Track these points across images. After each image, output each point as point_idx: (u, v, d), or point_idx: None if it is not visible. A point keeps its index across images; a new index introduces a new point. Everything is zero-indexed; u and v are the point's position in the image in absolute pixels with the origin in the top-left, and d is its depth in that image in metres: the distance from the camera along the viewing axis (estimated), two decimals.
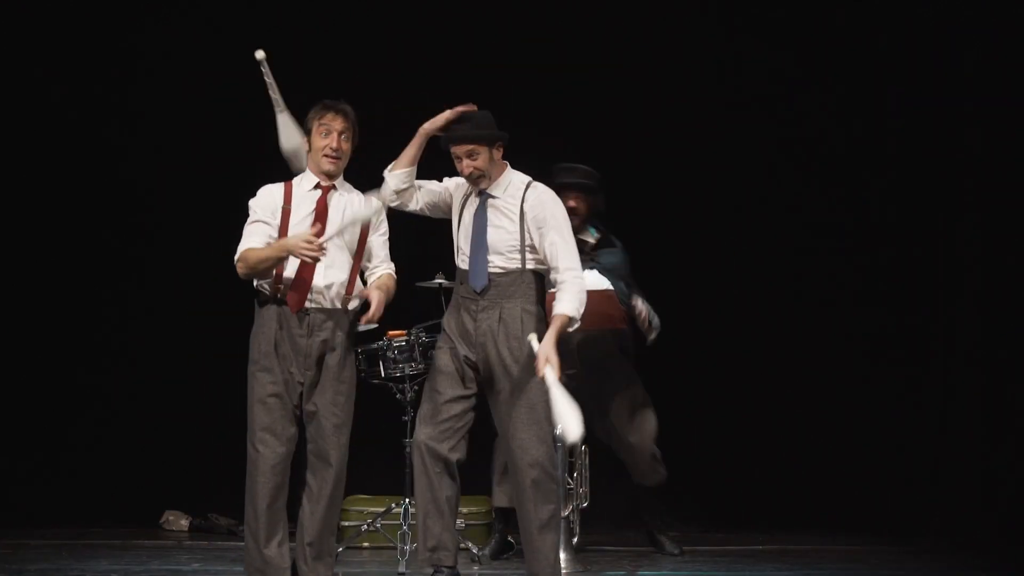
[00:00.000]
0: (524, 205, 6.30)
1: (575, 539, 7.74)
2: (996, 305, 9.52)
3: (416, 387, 7.97)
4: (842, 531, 9.40)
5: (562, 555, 7.56)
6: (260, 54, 6.13)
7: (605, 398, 8.08)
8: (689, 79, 10.10)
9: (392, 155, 6.58)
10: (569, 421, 6.00)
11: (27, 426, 9.98)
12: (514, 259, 6.27)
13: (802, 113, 10.12)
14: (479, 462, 7.48)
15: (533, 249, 6.31)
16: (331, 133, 6.21)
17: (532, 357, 6.17)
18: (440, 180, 6.62)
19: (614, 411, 8.13)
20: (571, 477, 7.75)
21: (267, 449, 6.11)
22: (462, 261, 6.40)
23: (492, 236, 6.29)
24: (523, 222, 6.27)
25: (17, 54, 10.03)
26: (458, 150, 6.32)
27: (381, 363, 7.91)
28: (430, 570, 6.39)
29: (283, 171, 6.47)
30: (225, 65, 9.52)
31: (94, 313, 10.22)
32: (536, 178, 6.54)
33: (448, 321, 6.43)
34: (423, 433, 6.27)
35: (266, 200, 6.22)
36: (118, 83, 10.18)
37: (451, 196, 6.50)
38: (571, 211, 7.23)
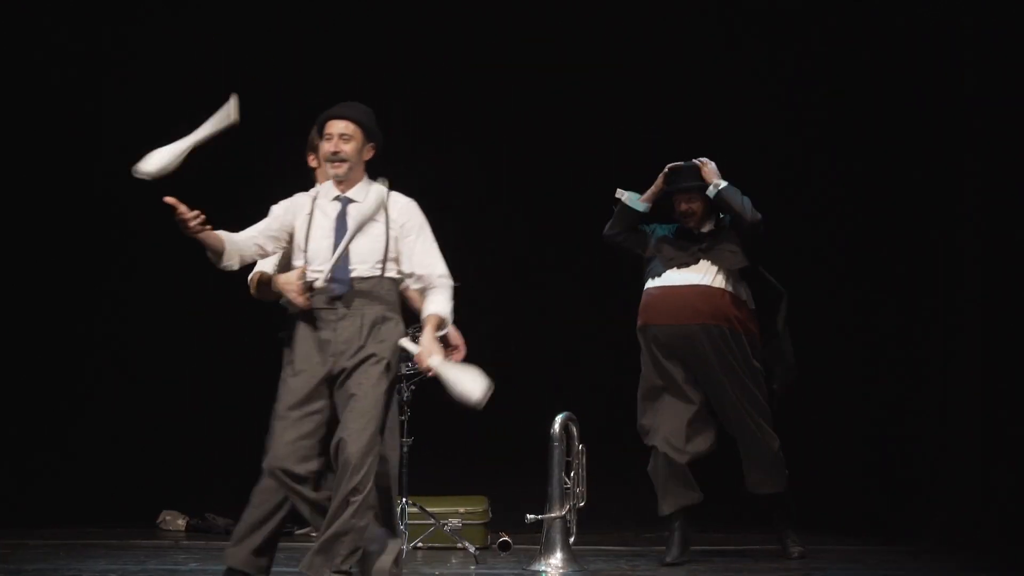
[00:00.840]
0: (390, 212, 6.13)
1: (572, 539, 7.72)
2: (996, 306, 9.51)
3: (412, 387, 7.97)
4: (840, 531, 9.39)
5: (559, 555, 7.57)
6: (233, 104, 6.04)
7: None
8: (687, 76, 10.11)
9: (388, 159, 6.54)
10: (468, 384, 5.91)
11: (25, 427, 9.99)
12: (377, 267, 6.09)
13: (801, 112, 10.12)
14: (476, 464, 7.50)
15: (396, 258, 6.14)
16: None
17: (390, 358, 6.06)
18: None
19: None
20: (568, 477, 7.73)
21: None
22: (312, 271, 6.12)
23: (356, 242, 6.07)
24: (388, 229, 6.12)
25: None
26: (332, 128, 6.11)
27: None
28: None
29: (275, 173, 6.45)
30: (214, 68, 9.60)
31: (92, 314, 10.23)
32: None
33: (300, 333, 6.11)
34: (276, 457, 5.96)
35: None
36: (110, 76, 10.19)
37: (289, 215, 6.20)
38: (685, 214, 8.06)
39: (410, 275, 6.14)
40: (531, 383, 9.57)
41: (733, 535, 9.40)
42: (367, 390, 5.93)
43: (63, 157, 10.20)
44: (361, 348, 5.99)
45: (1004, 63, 9.41)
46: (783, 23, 10.07)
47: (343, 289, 6.02)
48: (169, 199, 5.82)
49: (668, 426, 7.96)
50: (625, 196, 8.09)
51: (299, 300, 6.00)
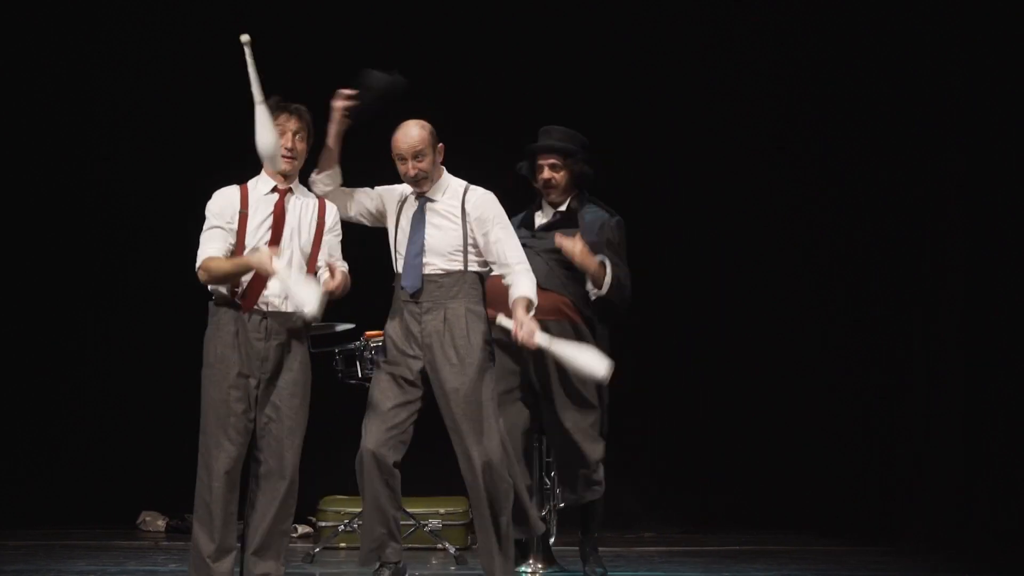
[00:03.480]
0: (466, 206, 6.29)
1: (552, 539, 7.71)
2: (979, 310, 9.54)
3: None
4: (822, 532, 9.41)
5: (539, 555, 7.56)
6: (245, 37, 5.94)
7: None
8: (682, 81, 10.12)
9: (368, 158, 6.54)
10: (590, 360, 6.15)
11: (4, 427, 9.96)
12: (456, 260, 6.26)
13: (790, 117, 10.14)
14: (456, 464, 7.44)
15: (476, 250, 6.30)
16: (285, 133, 6.13)
17: (481, 354, 6.20)
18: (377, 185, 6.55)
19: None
20: (548, 477, 7.72)
21: (222, 453, 6.03)
22: (400, 265, 6.35)
23: (433, 238, 6.26)
24: (465, 223, 6.26)
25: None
26: (404, 150, 6.26)
27: (358, 363, 7.92)
28: (376, 565, 6.32)
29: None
30: (197, 70, 9.60)
31: (70, 315, 10.21)
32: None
33: (391, 326, 6.36)
34: (370, 441, 6.18)
35: (223, 205, 6.13)
36: (95, 87, 10.18)
37: (383, 203, 6.44)
38: (546, 184, 6.99)
39: (494, 263, 6.31)
40: None
41: (713, 535, 9.41)
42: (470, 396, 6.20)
43: (50, 157, 10.19)
44: (451, 344, 6.20)
45: (993, 67, 9.46)
46: (773, 26, 10.07)
47: (415, 285, 6.21)
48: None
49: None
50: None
51: (272, 267, 5.92)
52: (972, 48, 9.53)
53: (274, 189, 6.14)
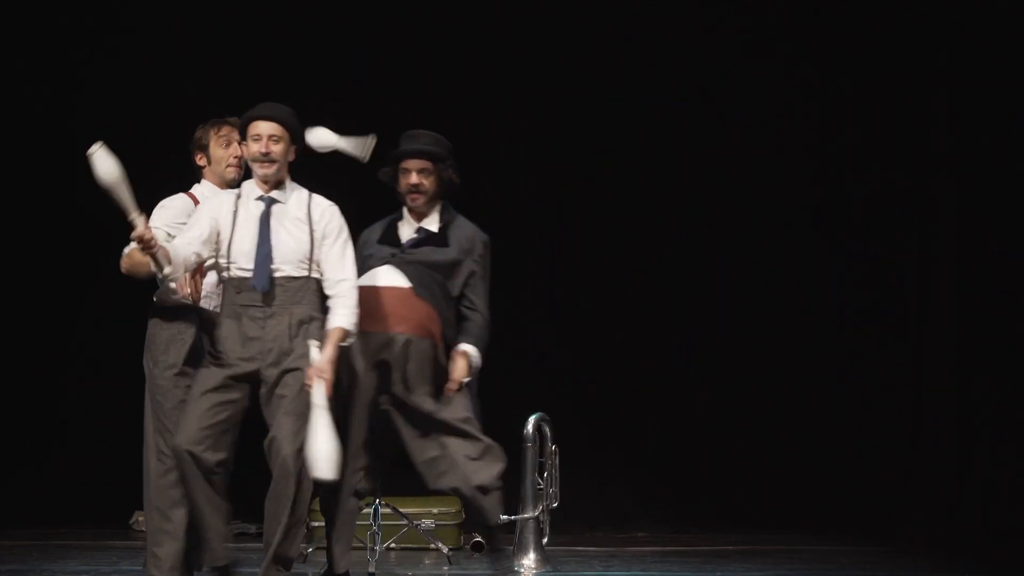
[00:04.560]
0: (313, 213, 6.10)
1: (545, 539, 7.72)
2: (970, 307, 9.56)
3: None
4: (815, 531, 9.42)
5: (532, 555, 7.57)
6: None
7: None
8: (681, 81, 10.13)
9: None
10: (322, 456, 5.76)
11: None
12: (303, 266, 6.04)
13: (783, 111, 10.15)
14: None
15: (318, 260, 6.09)
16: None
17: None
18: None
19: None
20: (541, 477, 7.73)
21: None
22: (238, 267, 6.05)
23: (282, 241, 6.04)
24: (312, 231, 6.07)
25: None
26: (259, 129, 6.04)
27: None
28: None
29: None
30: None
31: (64, 315, 10.21)
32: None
33: (227, 327, 6.05)
34: (184, 439, 5.96)
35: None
36: (87, 86, 10.19)
37: (216, 219, 6.10)
38: (415, 188, 6.42)
39: (325, 278, 6.08)
40: (504, 384, 9.55)
41: (705, 535, 9.42)
42: (297, 393, 5.94)
43: (40, 161, 10.17)
44: (290, 349, 6.00)
45: (978, 61, 9.50)
46: (771, 27, 10.09)
47: (264, 287, 5.99)
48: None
49: None
50: None
51: (185, 290, 5.94)
52: (964, 46, 9.57)
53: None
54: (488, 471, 6.30)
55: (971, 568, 8.03)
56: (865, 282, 10.03)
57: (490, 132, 9.92)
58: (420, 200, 6.42)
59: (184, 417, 5.99)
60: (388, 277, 6.33)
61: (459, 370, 6.34)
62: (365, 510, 7.90)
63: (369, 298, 6.18)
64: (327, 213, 6.12)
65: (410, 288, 6.26)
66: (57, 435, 10.09)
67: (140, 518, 9.76)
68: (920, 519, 9.43)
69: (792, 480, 9.75)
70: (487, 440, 6.34)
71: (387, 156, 6.39)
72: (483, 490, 6.29)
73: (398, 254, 6.38)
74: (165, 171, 6.54)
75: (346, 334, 5.98)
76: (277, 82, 9.86)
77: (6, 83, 10.07)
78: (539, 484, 7.72)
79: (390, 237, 6.46)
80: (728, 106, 10.09)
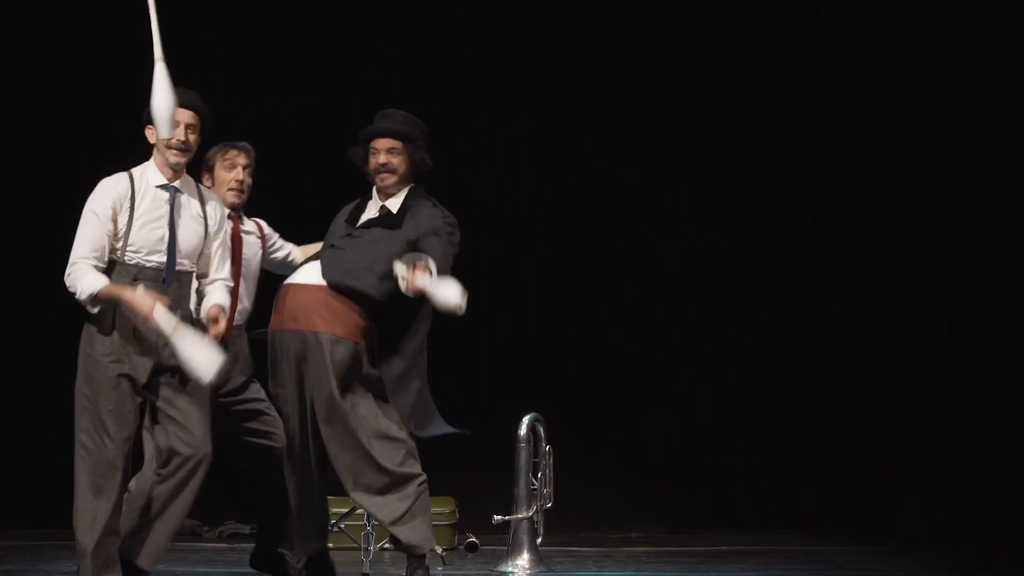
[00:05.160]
0: (207, 209, 5.90)
1: (539, 540, 7.71)
2: (964, 310, 9.57)
3: None
4: (808, 532, 9.42)
5: (526, 555, 7.57)
6: None
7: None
8: (682, 81, 10.13)
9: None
10: (199, 362, 5.52)
11: None
12: (192, 261, 5.82)
13: (788, 118, 10.17)
14: (443, 465, 7.45)
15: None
16: (235, 167, 6.20)
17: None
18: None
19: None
20: (535, 478, 7.73)
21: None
22: (149, 256, 5.75)
23: (184, 233, 5.80)
24: (207, 227, 5.85)
25: None
26: (184, 115, 5.75)
27: None
28: None
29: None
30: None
31: (58, 313, 10.16)
32: None
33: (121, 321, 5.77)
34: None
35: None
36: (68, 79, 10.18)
37: (116, 209, 5.78)
38: (383, 167, 6.15)
39: (202, 273, 5.89)
40: (498, 384, 9.57)
41: (698, 535, 9.43)
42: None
43: (19, 154, 10.16)
44: None
45: (974, 63, 9.53)
46: (770, 28, 10.10)
47: (171, 281, 5.76)
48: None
49: None
50: None
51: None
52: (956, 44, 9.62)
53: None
54: (390, 508, 6.08)
55: (963, 568, 8.04)
56: (860, 283, 10.04)
57: (488, 131, 9.94)
58: (389, 180, 6.15)
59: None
60: (306, 274, 6.08)
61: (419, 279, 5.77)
62: (359, 511, 7.92)
63: (286, 296, 6.02)
64: (219, 209, 5.98)
65: (324, 285, 5.97)
66: (50, 435, 10.04)
67: None
68: (914, 519, 9.44)
69: (787, 480, 9.75)
70: (400, 470, 6.06)
71: (359, 133, 6.22)
72: (393, 522, 6.09)
73: (345, 236, 6.12)
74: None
75: (222, 310, 5.79)
76: (278, 82, 9.90)
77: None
78: (533, 484, 7.70)
79: (352, 217, 6.21)
80: (728, 106, 10.10)
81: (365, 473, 6.06)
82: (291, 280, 6.15)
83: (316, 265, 6.11)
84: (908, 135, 9.85)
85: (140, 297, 5.59)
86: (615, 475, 9.85)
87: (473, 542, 8.38)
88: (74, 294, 5.74)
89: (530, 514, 7.64)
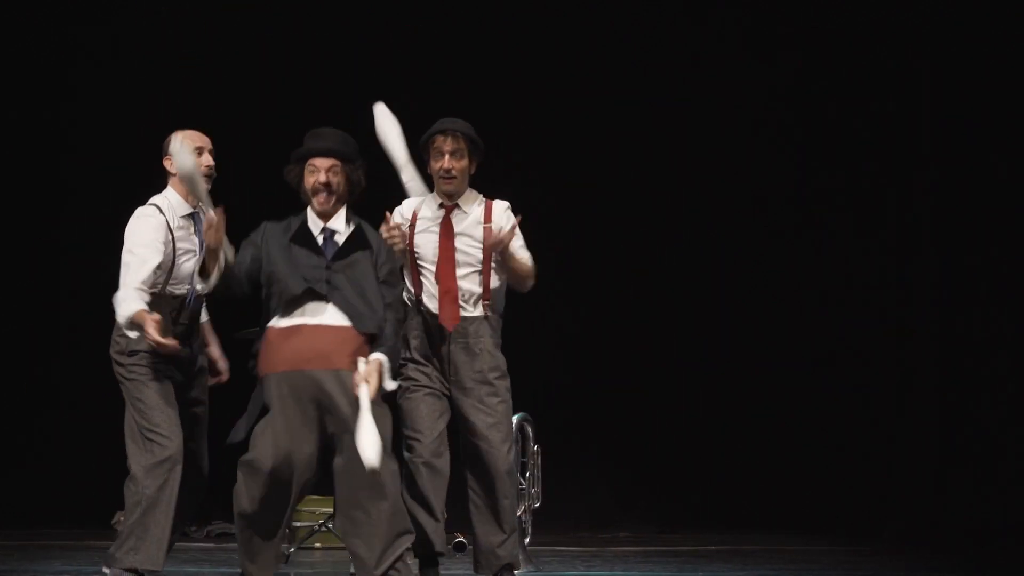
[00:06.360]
0: None
1: (527, 539, 7.72)
2: (954, 307, 9.59)
3: None
4: (797, 532, 9.43)
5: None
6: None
7: None
8: (682, 81, 10.15)
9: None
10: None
11: None
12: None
13: (787, 119, 10.20)
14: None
15: None
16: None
17: None
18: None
19: None
20: (523, 477, 7.73)
21: None
22: (181, 285, 6.07)
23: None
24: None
25: None
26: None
27: None
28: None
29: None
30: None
31: (49, 312, 10.19)
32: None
33: None
34: None
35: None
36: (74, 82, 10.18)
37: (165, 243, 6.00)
38: (325, 187, 5.91)
39: None
40: None
41: (688, 535, 9.43)
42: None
43: (25, 149, 10.17)
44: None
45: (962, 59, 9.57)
46: (768, 28, 10.13)
47: None
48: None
49: None
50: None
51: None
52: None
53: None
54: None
55: (952, 567, 8.04)
56: (849, 283, 10.05)
57: (487, 132, 9.92)
58: (329, 202, 5.93)
59: None
60: (326, 313, 5.86)
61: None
62: None
63: (306, 335, 5.82)
64: None
65: (350, 326, 5.84)
66: (38, 435, 10.07)
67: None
68: (902, 519, 9.45)
69: (774, 480, 9.77)
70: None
71: (291, 155, 6.01)
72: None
73: (325, 269, 5.91)
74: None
75: None
76: (278, 81, 9.90)
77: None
78: (521, 484, 7.72)
79: (306, 243, 5.96)
80: (727, 106, 10.12)
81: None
82: (301, 321, 5.87)
83: (323, 307, 5.87)
84: (897, 134, 9.88)
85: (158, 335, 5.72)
86: (604, 475, 9.86)
87: (461, 541, 8.34)
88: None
89: (518, 514, 7.64)
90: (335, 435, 5.81)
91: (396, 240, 5.96)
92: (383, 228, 5.95)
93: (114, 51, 10.21)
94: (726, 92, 10.15)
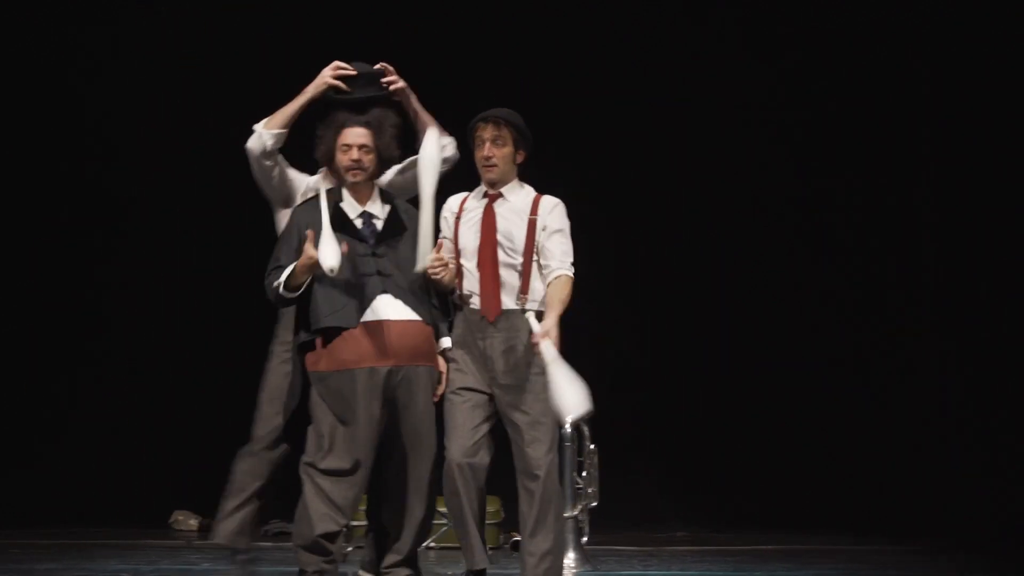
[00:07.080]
0: None
1: (584, 539, 7.74)
2: (985, 303, 9.61)
3: None
4: (849, 531, 9.42)
5: (571, 555, 7.59)
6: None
7: None
8: (682, 82, 10.13)
9: None
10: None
11: (36, 426, 10.00)
12: None
13: (787, 120, 10.19)
14: (490, 463, 7.48)
15: None
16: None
17: None
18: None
19: None
20: (580, 477, 7.75)
21: None
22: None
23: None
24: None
25: None
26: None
27: None
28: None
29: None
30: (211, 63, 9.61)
31: (103, 313, 10.24)
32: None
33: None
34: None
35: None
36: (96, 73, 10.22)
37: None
38: (356, 165, 5.91)
39: None
40: None
41: (741, 535, 9.44)
42: None
43: (48, 150, 10.20)
44: None
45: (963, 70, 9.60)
46: (766, 29, 10.12)
47: None
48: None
49: None
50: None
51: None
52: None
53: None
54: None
55: (1005, 568, 8.03)
56: (884, 280, 10.08)
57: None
58: (361, 176, 5.94)
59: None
60: (392, 307, 5.88)
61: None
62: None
63: (379, 332, 5.83)
64: None
65: (420, 320, 5.91)
66: (96, 434, 10.11)
67: (179, 517, 9.80)
68: (953, 519, 9.43)
69: (828, 481, 9.75)
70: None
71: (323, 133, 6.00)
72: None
73: (370, 256, 5.92)
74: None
75: None
76: (278, 82, 9.89)
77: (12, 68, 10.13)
78: (578, 483, 7.73)
79: (344, 227, 5.91)
80: (727, 106, 10.12)
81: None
82: (373, 317, 5.87)
83: (387, 300, 5.89)
84: (898, 133, 9.92)
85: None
86: (660, 474, 9.85)
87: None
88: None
89: (575, 513, 7.67)
90: (402, 433, 5.87)
91: (440, 273, 5.90)
92: (432, 257, 5.86)
93: (114, 51, 10.24)
94: (726, 92, 10.13)
